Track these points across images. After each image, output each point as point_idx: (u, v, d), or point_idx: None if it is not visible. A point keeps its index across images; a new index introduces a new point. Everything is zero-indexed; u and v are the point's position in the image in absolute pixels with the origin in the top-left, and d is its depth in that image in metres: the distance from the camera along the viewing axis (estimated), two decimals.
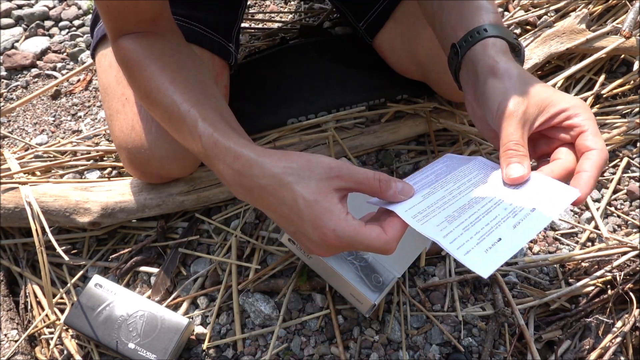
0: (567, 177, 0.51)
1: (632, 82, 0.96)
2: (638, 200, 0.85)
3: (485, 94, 0.53)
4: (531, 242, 0.81)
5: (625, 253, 0.75)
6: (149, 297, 0.77)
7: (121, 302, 0.72)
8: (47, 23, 1.24)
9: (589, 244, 0.81)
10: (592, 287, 0.74)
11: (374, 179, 0.49)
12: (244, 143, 0.52)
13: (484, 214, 0.48)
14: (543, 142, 0.55)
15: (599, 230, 0.81)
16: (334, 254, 0.52)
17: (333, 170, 0.48)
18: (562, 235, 0.82)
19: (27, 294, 0.80)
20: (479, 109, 0.56)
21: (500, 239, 0.46)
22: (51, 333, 0.76)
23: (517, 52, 0.58)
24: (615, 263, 0.74)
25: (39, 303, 0.79)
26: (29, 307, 0.79)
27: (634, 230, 0.81)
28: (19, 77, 1.14)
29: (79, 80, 1.11)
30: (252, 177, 0.50)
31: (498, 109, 0.52)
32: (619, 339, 0.70)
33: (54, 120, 1.04)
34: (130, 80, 0.63)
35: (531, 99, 0.51)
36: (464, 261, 0.44)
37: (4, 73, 1.14)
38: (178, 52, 0.63)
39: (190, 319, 0.72)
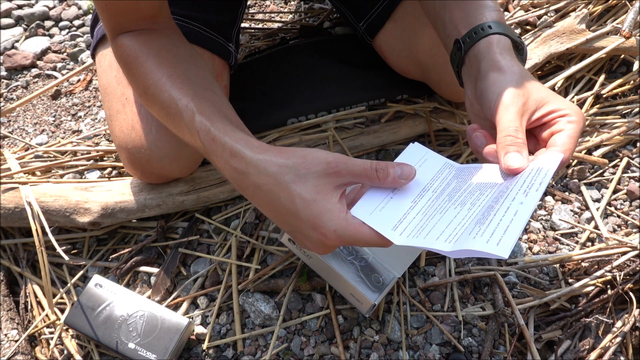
0: None
1: (632, 82, 0.96)
2: (638, 200, 0.85)
3: (486, 86, 0.53)
4: (531, 242, 0.81)
5: (625, 253, 0.75)
6: (149, 297, 0.77)
7: (121, 302, 0.72)
8: (47, 23, 1.24)
9: (589, 244, 0.81)
10: (592, 287, 0.74)
11: (372, 169, 0.49)
12: (241, 138, 0.51)
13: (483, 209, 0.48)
14: (529, 141, 0.54)
15: (599, 230, 0.81)
16: (332, 251, 0.52)
17: (330, 166, 0.48)
18: (562, 235, 0.82)
19: (27, 294, 0.80)
20: (477, 104, 0.56)
21: (502, 220, 0.44)
22: (51, 333, 0.76)
23: (519, 50, 0.58)
24: (615, 263, 0.74)
25: (39, 303, 0.79)
26: (29, 307, 0.79)
27: (634, 230, 0.81)
28: (19, 77, 1.14)
29: (79, 80, 1.11)
30: (248, 176, 0.50)
31: (497, 99, 0.52)
32: (618, 339, 0.70)
33: (54, 120, 1.04)
34: (128, 77, 0.63)
35: (531, 94, 0.52)
36: (483, 247, 0.42)
37: (4, 73, 1.14)
38: (176, 48, 0.63)
39: (190, 319, 0.72)
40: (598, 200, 0.86)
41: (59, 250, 0.73)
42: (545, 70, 0.99)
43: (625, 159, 0.89)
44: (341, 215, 0.47)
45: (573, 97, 0.94)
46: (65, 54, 1.18)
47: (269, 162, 0.49)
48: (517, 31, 1.02)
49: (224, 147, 0.51)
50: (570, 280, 0.76)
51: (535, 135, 0.54)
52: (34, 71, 1.14)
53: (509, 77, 0.52)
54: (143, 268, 0.81)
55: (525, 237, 0.82)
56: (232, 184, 0.54)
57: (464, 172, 0.55)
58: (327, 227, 0.47)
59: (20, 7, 1.26)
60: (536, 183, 0.46)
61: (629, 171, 0.88)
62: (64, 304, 0.79)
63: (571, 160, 0.88)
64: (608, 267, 0.74)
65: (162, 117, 0.60)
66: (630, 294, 0.72)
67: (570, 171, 0.88)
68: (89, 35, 1.18)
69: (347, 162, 0.49)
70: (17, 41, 1.20)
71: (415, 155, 0.57)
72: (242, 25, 1.04)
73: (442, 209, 0.50)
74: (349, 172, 0.49)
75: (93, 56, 0.83)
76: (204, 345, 0.73)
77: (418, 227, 0.49)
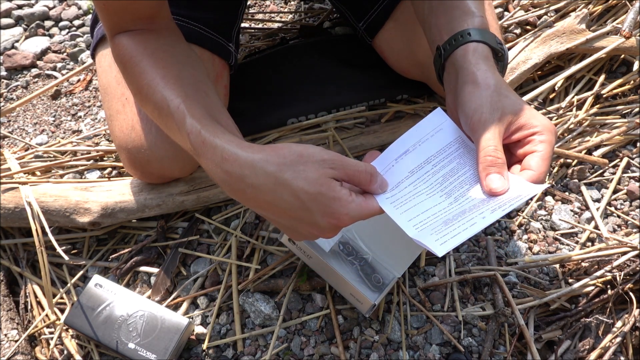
0: None
1: (632, 82, 0.96)
2: (638, 200, 0.85)
3: (463, 100, 0.54)
4: (531, 242, 0.81)
5: (625, 253, 0.75)
6: (149, 297, 0.77)
7: (121, 302, 0.72)
8: (47, 23, 1.24)
9: (589, 244, 0.81)
10: (592, 287, 0.74)
11: (366, 173, 0.51)
12: (231, 140, 0.51)
13: (458, 213, 0.51)
14: (505, 155, 0.55)
15: (599, 230, 0.81)
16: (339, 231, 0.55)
17: (326, 163, 0.49)
18: (562, 235, 0.82)
19: (27, 294, 0.80)
20: (457, 113, 0.56)
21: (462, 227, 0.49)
22: (51, 333, 0.76)
23: (499, 57, 0.59)
24: (615, 263, 0.74)
25: (39, 303, 0.79)
26: (29, 307, 0.79)
27: (634, 230, 0.81)
28: (19, 77, 1.14)
29: (79, 80, 1.11)
30: (244, 178, 0.49)
31: (473, 114, 0.53)
32: (618, 339, 0.70)
33: (54, 120, 1.04)
34: (124, 77, 0.63)
35: (505, 108, 0.53)
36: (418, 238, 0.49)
37: (4, 73, 1.14)
38: (172, 48, 0.63)
39: (190, 319, 0.72)
40: (598, 200, 0.86)
41: (59, 250, 0.73)
42: (545, 70, 0.99)
43: (625, 159, 0.89)
44: (349, 199, 0.49)
45: (573, 97, 0.94)
46: (65, 54, 1.18)
47: (266, 162, 0.49)
48: (517, 31, 1.02)
49: (214, 150, 0.51)
50: (570, 280, 0.76)
51: (510, 150, 0.55)
52: (34, 71, 1.14)
53: (483, 91, 0.53)
54: (143, 268, 0.81)
55: (525, 237, 0.82)
56: (222, 187, 0.53)
57: (469, 154, 0.56)
58: (339, 212, 0.49)
59: (20, 7, 1.26)
60: (507, 204, 0.49)
61: (629, 171, 0.88)
62: (64, 304, 0.79)
63: (571, 160, 0.88)
64: (608, 267, 0.74)
65: (155, 117, 0.60)
66: (630, 294, 0.72)
67: (570, 171, 0.88)
68: (89, 35, 1.18)
69: (342, 161, 0.50)
70: (17, 41, 1.20)
71: (433, 123, 0.58)
72: (242, 25, 1.04)
73: (430, 190, 0.54)
74: (343, 172, 0.50)
75: (93, 56, 0.83)
76: (204, 345, 0.73)
77: (402, 200, 0.53)
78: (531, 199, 0.85)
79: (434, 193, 0.53)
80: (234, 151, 0.50)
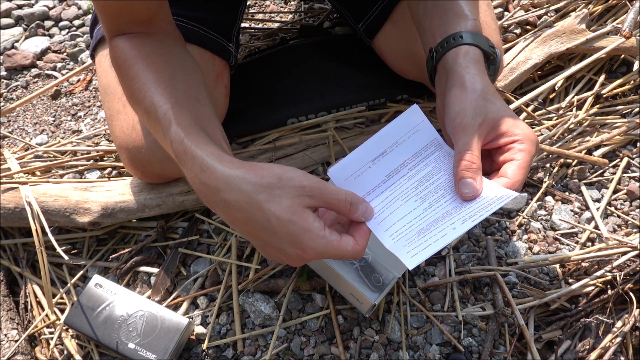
0: None
1: (632, 82, 0.96)
2: (638, 200, 0.85)
3: (449, 102, 0.54)
4: (531, 242, 0.81)
5: (625, 253, 0.75)
6: (149, 297, 0.77)
7: (121, 302, 0.72)
8: (47, 23, 1.24)
9: (589, 244, 0.81)
10: (592, 287, 0.74)
11: (345, 202, 0.50)
12: (212, 152, 0.50)
13: (436, 219, 0.51)
14: (485, 160, 0.55)
15: (599, 230, 0.81)
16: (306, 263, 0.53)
17: (305, 190, 0.48)
18: (562, 235, 0.82)
19: (27, 294, 0.80)
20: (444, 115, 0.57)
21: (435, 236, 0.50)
22: (51, 333, 0.76)
23: (491, 60, 0.59)
24: (615, 263, 0.74)
25: (39, 303, 0.79)
26: (29, 307, 0.79)
27: (634, 230, 0.81)
28: (19, 77, 1.14)
29: (79, 80, 1.11)
30: (218, 192, 0.49)
31: (456, 119, 0.53)
32: (619, 339, 0.70)
33: (54, 120, 1.05)
34: (119, 80, 0.63)
35: (488, 114, 0.53)
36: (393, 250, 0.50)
37: (4, 73, 1.14)
38: (168, 53, 0.62)
39: (190, 319, 0.72)
40: (598, 200, 0.86)
41: (59, 250, 0.73)
42: (545, 70, 0.99)
43: (625, 159, 0.89)
44: (320, 233, 0.48)
45: (573, 97, 0.94)
46: (65, 54, 1.18)
47: (242, 180, 0.48)
48: (517, 31, 1.02)
49: (194, 160, 0.50)
50: (570, 280, 0.76)
51: (492, 156, 0.55)
52: (34, 71, 1.14)
53: (469, 94, 0.53)
54: (143, 268, 0.81)
55: (525, 237, 0.82)
56: (200, 198, 0.52)
57: (445, 158, 0.56)
58: (306, 244, 0.48)
59: (20, 7, 1.26)
60: (478, 214, 0.49)
61: (629, 171, 0.88)
62: (64, 304, 0.79)
63: (571, 160, 0.88)
64: (608, 267, 0.74)
65: (145, 122, 0.60)
66: (630, 294, 0.72)
67: (570, 171, 0.88)
68: (89, 35, 1.18)
69: (322, 189, 0.49)
70: (17, 41, 1.20)
71: (410, 122, 0.57)
72: (242, 25, 1.04)
73: (406, 195, 0.54)
74: (322, 200, 0.49)
75: (92, 57, 0.83)
76: (204, 345, 0.73)
77: (379, 207, 0.53)
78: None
79: (409, 198, 0.53)
80: (211, 164, 0.49)
